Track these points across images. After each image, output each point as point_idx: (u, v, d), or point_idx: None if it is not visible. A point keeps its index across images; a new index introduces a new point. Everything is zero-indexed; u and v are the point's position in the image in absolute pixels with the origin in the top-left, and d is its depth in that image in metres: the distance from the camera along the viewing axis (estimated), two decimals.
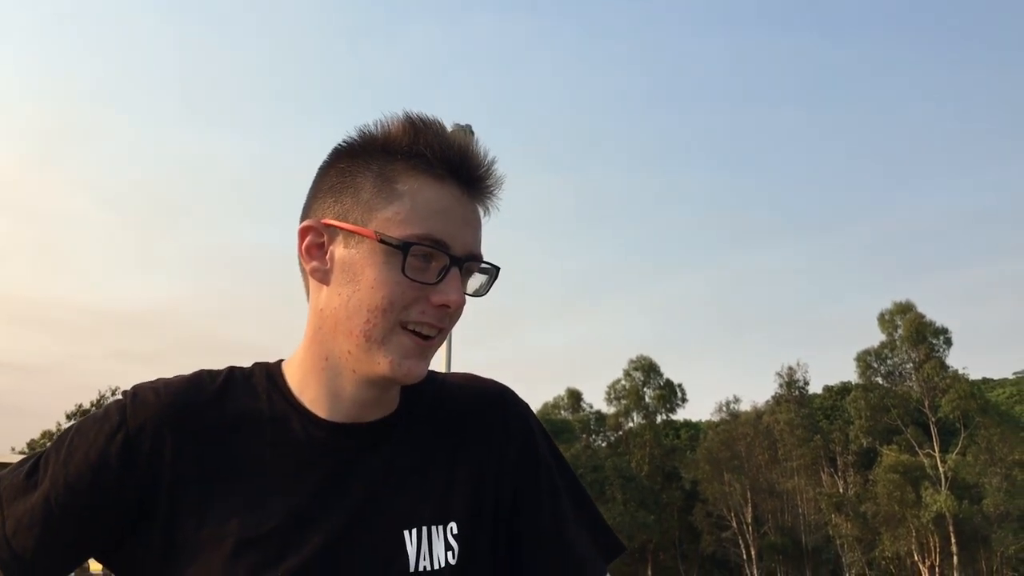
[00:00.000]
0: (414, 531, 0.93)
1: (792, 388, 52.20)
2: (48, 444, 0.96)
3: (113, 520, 0.90)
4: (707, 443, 50.39)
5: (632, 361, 53.63)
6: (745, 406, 53.26)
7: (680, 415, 56.68)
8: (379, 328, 0.89)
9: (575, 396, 56.78)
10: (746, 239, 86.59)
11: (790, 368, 52.60)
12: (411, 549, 0.92)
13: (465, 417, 1.03)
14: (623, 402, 53.50)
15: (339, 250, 0.92)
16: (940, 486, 41.17)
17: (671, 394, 52.86)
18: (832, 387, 56.03)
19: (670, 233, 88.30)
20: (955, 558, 40.49)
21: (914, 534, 41.07)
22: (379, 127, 0.93)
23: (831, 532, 45.24)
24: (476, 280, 0.96)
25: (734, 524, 47.50)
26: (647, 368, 53.28)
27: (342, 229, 0.91)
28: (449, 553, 0.94)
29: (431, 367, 0.99)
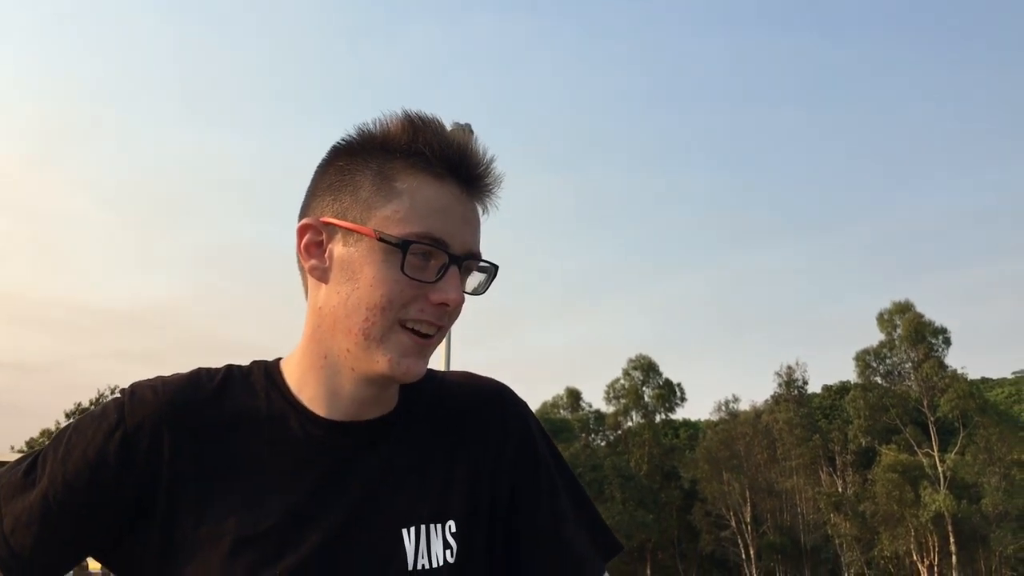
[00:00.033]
0: (412, 529, 0.93)
1: (791, 387, 52.24)
2: (47, 442, 0.96)
3: (111, 518, 0.90)
4: (706, 442, 50.44)
5: (631, 360, 53.72)
6: (744, 405, 53.40)
7: (679, 414, 56.82)
8: (378, 326, 0.89)
9: (574, 395, 56.82)
10: (746, 239, 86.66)
11: (789, 367, 52.70)
12: (409, 547, 0.92)
13: (463, 415, 1.03)
14: (622, 401, 53.55)
15: (338, 248, 0.91)
16: (939, 486, 41.22)
17: (670, 393, 52.90)
18: (831, 387, 56.07)
19: (670, 233, 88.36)
20: (954, 558, 40.55)
21: (913, 533, 41.11)
22: (378, 125, 0.93)
23: (830, 531, 45.28)
24: (475, 278, 0.96)
25: (733, 523, 47.53)
26: (646, 367, 53.32)
27: (341, 227, 0.91)
28: (447, 551, 0.94)
29: (430, 366, 0.99)
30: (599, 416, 55.67)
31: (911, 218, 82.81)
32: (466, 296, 0.94)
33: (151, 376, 0.97)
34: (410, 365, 0.91)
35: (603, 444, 55.16)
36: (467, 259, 0.92)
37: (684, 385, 53.42)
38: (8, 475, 0.93)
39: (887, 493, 41.35)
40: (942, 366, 43.97)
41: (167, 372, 0.98)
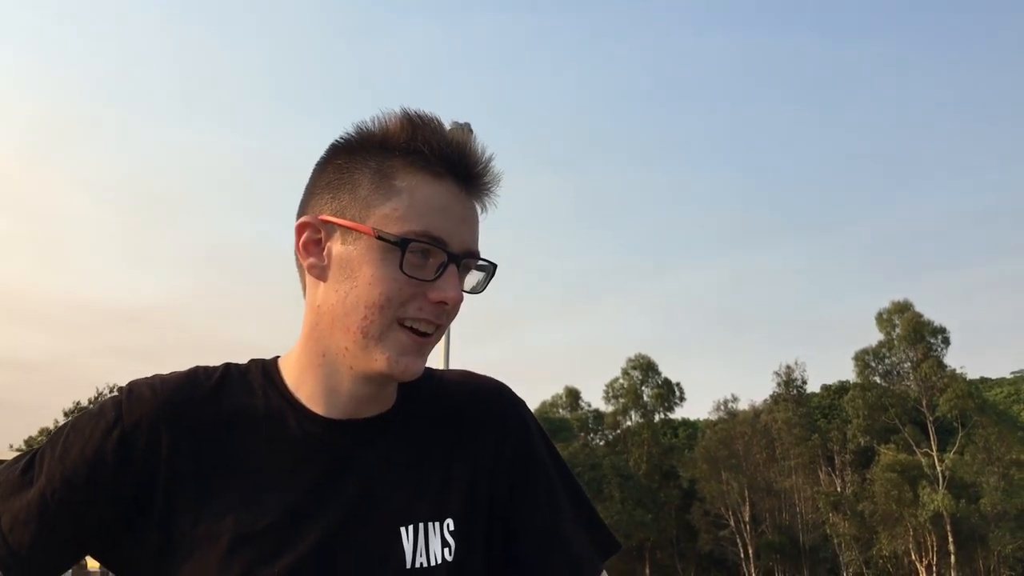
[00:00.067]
0: (410, 527, 0.93)
1: (790, 387, 52.28)
2: (45, 441, 0.96)
3: (109, 516, 0.90)
4: (705, 442, 50.47)
5: (630, 360, 53.73)
6: (743, 405, 53.45)
7: (678, 414, 56.87)
8: (376, 325, 0.89)
9: (573, 395, 56.82)
10: (745, 239, 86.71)
11: (788, 367, 52.75)
12: (407, 545, 0.92)
13: (461, 414, 1.02)
14: (621, 401, 53.56)
15: (336, 246, 0.91)
16: (938, 485, 41.23)
17: (669, 393, 52.91)
18: (830, 386, 56.07)
19: (669, 232, 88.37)
20: (952, 557, 40.57)
21: (911, 533, 41.13)
22: (377, 123, 0.93)
23: (828, 531, 45.31)
24: (473, 277, 0.96)
25: (732, 523, 47.56)
26: (645, 367, 53.33)
27: (339, 225, 0.91)
28: (446, 550, 0.94)
29: (428, 364, 0.99)
30: (598, 415, 55.68)
31: (911, 218, 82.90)
32: (464, 295, 0.93)
33: (149, 375, 0.97)
34: (409, 363, 0.91)
35: (602, 443, 55.17)
36: (466, 257, 0.92)
37: (683, 385, 53.53)
38: (6, 473, 0.93)
39: (886, 493, 41.36)
40: (941, 366, 43.98)
41: (166, 371, 0.98)
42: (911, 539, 41.28)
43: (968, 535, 40.54)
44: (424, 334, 0.91)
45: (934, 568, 41.09)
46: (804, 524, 47.30)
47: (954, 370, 44.37)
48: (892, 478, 41.25)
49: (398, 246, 0.87)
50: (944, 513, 39.61)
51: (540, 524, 1.01)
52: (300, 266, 0.96)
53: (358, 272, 0.89)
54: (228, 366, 0.99)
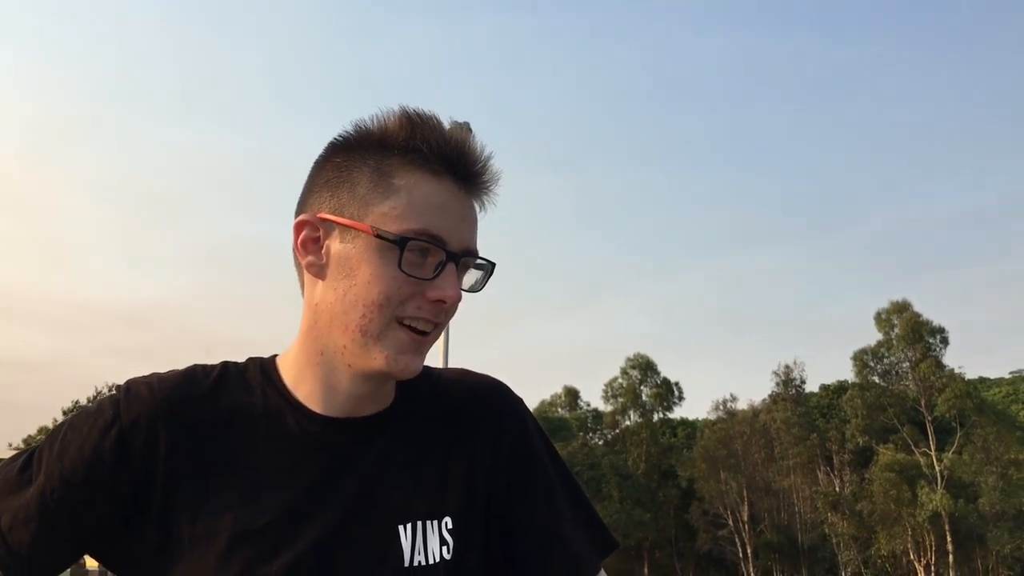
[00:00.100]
0: (408, 526, 0.93)
1: (789, 387, 52.27)
2: (43, 439, 0.96)
3: (108, 515, 0.90)
4: (704, 441, 50.46)
5: (629, 359, 53.73)
6: (742, 404, 53.40)
7: (677, 413, 56.88)
8: (375, 323, 0.89)
9: (572, 394, 56.85)
10: (745, 239, 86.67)
11: (787, 367, 52.74)
12: (405, 544, 0.92)
13: (460, 412, 1.02)
14: (620, 400, 53.56)
15: (335, 245, 0.91)
16: (936, 485, 41.25)
17: (668, 392, 52.92)
18: (829, 386, 56.10)
19: (669, 232, 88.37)
20: (951, 557, 40.60)
21: (910, 533, 41.15)
22: (375, 122, 0.93)
23: (827, 530, 45.33)
24: (472, 276, 0.96)
25: (730, 522, 47.58)
26: (644, 366, 53.33)
27: (338, 224, 0.91)
28: (444, 548, 0.94)
29: (427, 363, 0.99)
30: (597, 415, 55.70)
31: (910, 218, 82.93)
32: (463, 293, 0.93)
33: (147, 373, 0.97)
34: (407, 362, 0.91)
35: (601, 443, 55.18)
36: (464, 256, 0.92)
37: (682, 384, 53.54)
38: (4, 472, 0.93)
39: (884, 492, 41.39)
40: (939, 366, 44.01)
41: (165, 369, 0.98)
42: (909, 539, 41.30)
43: (966, 535, 40.58)
44: (423, 332, 0.91)
45: (932, 568, 41.12)
46: (803, 524, 47.31)
47: (952, 370, 44.44)
48: (890, 478, 41.28)
49: (397, 244, 0.87)
50: (942, 513, 39.64)
51: (538, 522, 1.01)
52: (298, 264, 0.95)
53: (357, 270, 0.89)
54: (226, 364, 0.99)
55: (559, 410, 56.78)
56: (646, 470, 50.90)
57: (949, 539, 40.45)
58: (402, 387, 1.00)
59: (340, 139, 0.95)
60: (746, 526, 47.21)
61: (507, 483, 1.01)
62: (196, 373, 0.97)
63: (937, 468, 42.09)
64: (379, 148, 0.91)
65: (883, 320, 45.83)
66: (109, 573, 0.97)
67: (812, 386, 55.68)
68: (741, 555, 47.15)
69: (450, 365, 1.12)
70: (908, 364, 45.30)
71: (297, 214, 0.95)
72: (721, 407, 52.99)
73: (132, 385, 0.94)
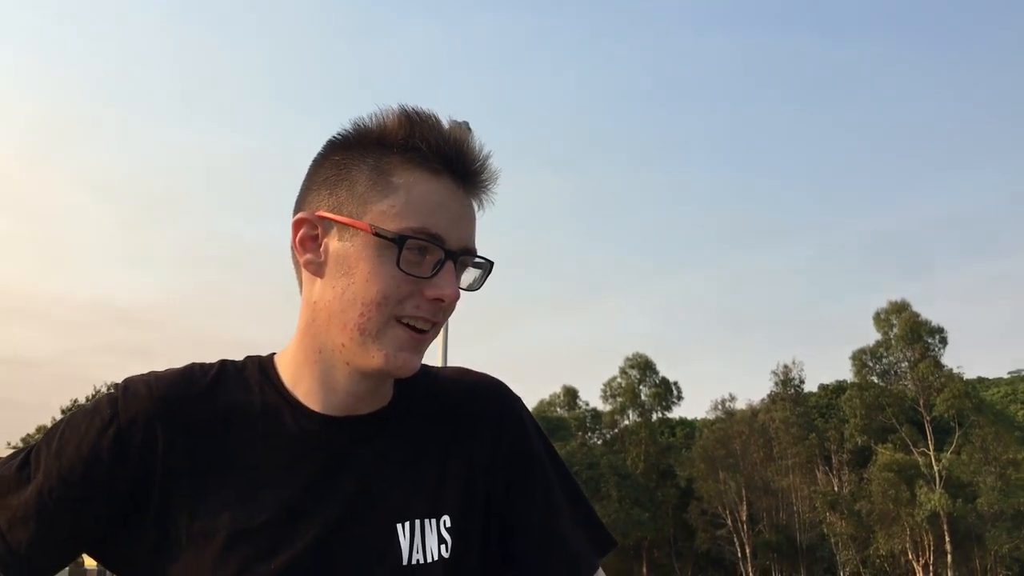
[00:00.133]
0: (407, 524, 0.93)
1: (787, 386, 52.27)
2: (41, 437, 0.95)
3: (106, 513, 0.90)
4: (702, 441, 50.46)
5: (628, 359, 53.70)
6: (741, 404, 53.39)
7: (676, 413, 56.87)
8: (373, 322, 0.89)
9: (571, 393, 56.81)
10: (744, 238, 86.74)
11: (786, 366, 52.73)
12: (404, 542, 0.92)
13: (458, 410, 1.02)
14: (619, 400, 53.53)
15: (333, 243, 0.91)
16: (934, 485, 41.26)
17: (667, 392, 52.90)
18: (827, 386, 56.10)
19: (668, 232, 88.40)
20: (949, 557, 40.62)
21: (908, 532, 41.15)
22: (374, 120, 0.93)
23: (826, 530, 45.32)
24: (470, 274, 0.96)
25: (729, 522, 47.59)
26: (643, 366, 53.32)
27: (336, 222, 0.91)
28: (442, 546, 0.94)
29: (426, 361, 0.99)
30: (596, 414, 55.67)
31: (909, 218, 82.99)
32: (461, 292, 0.93)
33: (145, 372, 0.97)
34: (406, 359, 0.91)
35: (599, 442, 55.14)
36: (463, 255, 0.92)
37: (681, 384, 53.51)
38: (1, 471, 0.93)
39: (883, 492, 41.39)
40: (938, 365, 44.01)
41: (164, 368, 0.98)
42: (908, 538, 41.31)
43: (965, 535, 40.58)
44: (421, 331, 0.91)
45: (931, 567, 41.14)
46: (801, 523, 47.32)
47: (951, 370, 44.45)
48: (889, 477, 41.28)
49: (395, 243, 0.87)
50: (941, 513, 39.65)
51: (537, 521, 1.01)
52: (296, 262, 0.95)
53: (355, 268, 0.89)
54: (224, 363, 0.98)
55: (558, 410, 56.75)
56: (645, 470, 50.88)
57: (947, 539, 40.46)
58: (400, 386, 1.00)
59: (339, 137, 0.95)
60: (744, 526, 47.22)
61: (506, 482, 1.01)
62: (194, 371, 0.97)
63: (936, 468, 42.09)
64: (378, 146, 0.91)
65: (882, 320, 45.85)
66: (108, 572, 0.97)
67: (811, 386, 55.79)
68: (739, 555, 47.15)
69: (449, 364, 1.12)
70: (907, 364, 45.31)
71: (295, 212, 0.95)
72: (720, 407, 53.04)
73: (130, 384, 0.94)
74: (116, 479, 0.89)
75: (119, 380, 0.96)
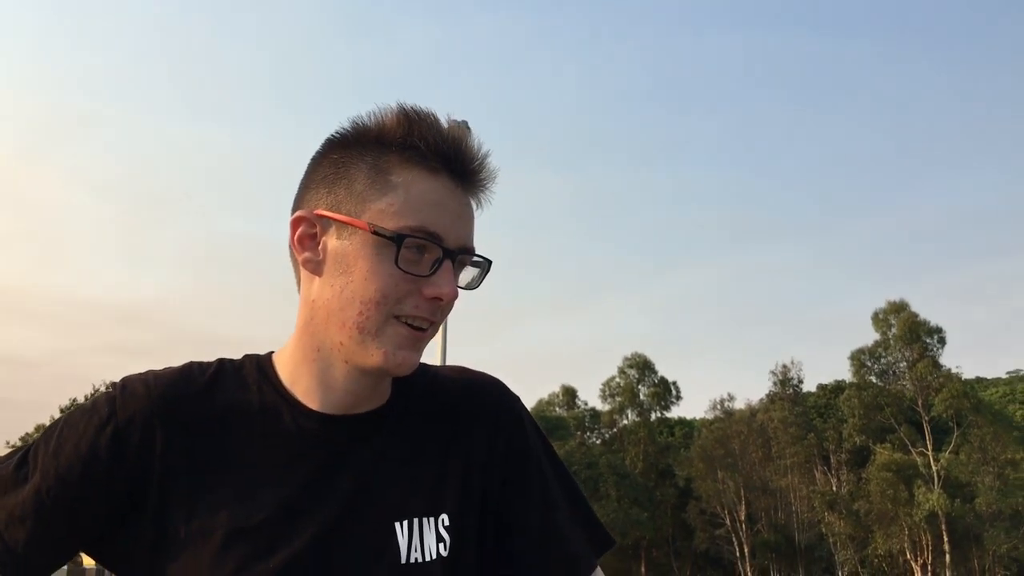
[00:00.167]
0: (405, 523, 0.93)
1: (786, 386, 52.30)
2: (39, 436, 0.95)
3: (103, 512, 0.90)
4: (701, 441, 50.47)
5: (627, 359, 53.70)
6: (739, 404, 53.41)
7: (674, 413, 56.87)
8: (372, 320, 0.89)
9: (570, 393, 56.84)
10: (744, 238, 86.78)
11: (784, 366, 52.78)
12: (402, 541, 0.92)
13: (456, 409, 1.02)
14: (618, 399, 53.52)
15: (332, 241, 0.91)
16: (933, 485, 41.28)
17: (665, 392, 52.89)
18: (826, 385, 56.14)
19: (668, 232, 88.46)
20: (947, 556, 40.64)
21: (907, 532, 41.17)
22: (373, 118, 0.93)
23: (824, 530, 45.34)
24: (468, 273, 0.96)
25: (727, 521, 47.62)
26: (642, 366, 53.32)
27: (335, 220, 0.90)
28: (440, 545, 0.94)
29: (425, 360, 0.99)
30: (595, 414, 55.67)
31: (909, 218, 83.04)
32: (460, 291, 0.93)
33: (143, 370, 0.97)
34: (405, 357, 0.91)
35: (598, 442, 55.15)
36: (461, 253, 0.92)
37: (679, 383, 53.52)
38: None
39: (881, 492, 41.41)
40: (936, 365, 44.00)
41: (161, 367, 0.98)
42: (906, 538, 41.33)
43: (963, 534, 40.60)
44: (420, 329, 0.91)
45: (929, 567, 41.17)
46: (800, 523, 47.35)
47: (949, 370, 44.44)
48: (887, 477, 41.30)
49: (394, 241, 0.87)
50: (939, 512, 39.68)
51: (535, 520, 1.01)
52: (295, 260, 0.95)
53: (353, 267, 0.89)
54: (222, 361, 0.98)
55: (557, 409, 56.77)
56: (643, 469, 50.90)
57: (946, 539, 40.49)
58: (398, 384, 1.00)
59: (337, 135, 0.94)
60: (743, 525, 47.24)
61: (503, 480, 1.01)
62: (192, 370, 0.96)
63: (934, 468, 42.11)
64: (376, 145, 0.91)
65: (880, 320, 45.85)
66: (106, 571, 0.97)
67: (809, 386, 55.87)
68: (738, 554, 47.18)
69: (448, 363, 1.11)
70: (905, 364, 45.29)
71: (294, 210, 0.94)
72: (719, 406, 53.05)
73: (128, 382, 0.94)
74: (114, 478, 0.89)
75: (117, 379, 0.96)
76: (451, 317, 0.97)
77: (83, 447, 0.89)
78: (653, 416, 54.17)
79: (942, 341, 44.75)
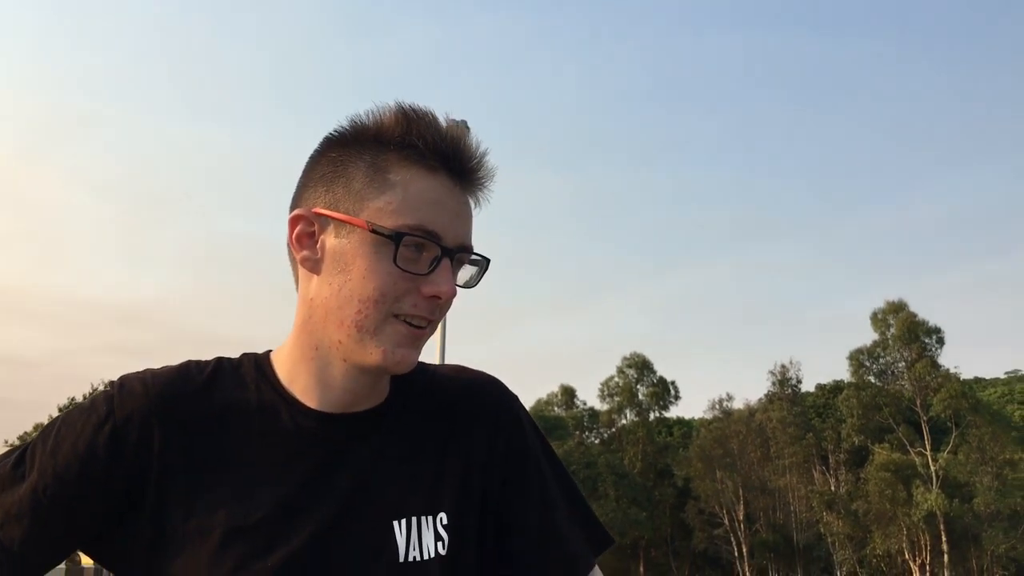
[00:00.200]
0: (404, 522, 0.93)
1: (785, 386, 52.29)
2: (36, 435, 0.95)
3: (101, 511, 0.90)
4: (700, 440, 50.47)
5: (625, 358, 53.69)
6: (738, 404, 53.40)
7: (673, 412, 56.85)
8: (371, 318, 0.89)
9: (569, 393, 56.83)
10: (744, 238, 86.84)
11: (783, 366, 52.75)
12: (401, 540, 0.92)
13: (455, 408, 1.02)
14: (616, 399, 53.51)
15: (330, 240, 0.91)
16: (931, 485, 41.29)
17: (664, 391, 52.89)
18: (824, 385, 56.12)
19: (667, 232, 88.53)
20: (946, 556, 40.65)
21: (905, 532, 41.19)
22: (371, 117, 0.93)
23: (822, 530, 45.36)
24: (467, 271, 0.96)
25: (726, 521, 47.63)
26: (640, 365, 53.31)
27: (333, 218, 0.90)
28: (439, 544, 0.94)
29: (423, 359, 0.99)
30: (593, 414, 55.67)
31: (908, 218, 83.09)
32: (458, 289, 0.93)
33: (141, 369, 0.97)
34: (404, 355, 0.91)
35: (597, 442, 55.14)
36: (459, 252, 0.92)
37: (678, 383, 53.51)
38: None
39: (880, 492, 41.42)
40: (935, 366, 43.99)
41: (161, 366, 0.98)
42: (905, 538, 41.35)
43: (961, 534, 40.63)
44: (419, 327, 0.91)
45: (927, 567, 41.20)
46: (798, 523, 47.36)
47: (948, 370, 44.42)
48: (886, 477, 41.32)
49: (392, 240, 0.87)
50: (938, 512, 39.70)
51: (534, 520, 1.01)
52: (293, 259, 0.95)
53: (352, 265, 0.89)
54: (220, 360, 0.98)
55: (555, 408, 56.76)
56: (642, 469, 50.90)
57: (944, 539, 40.51)
58: (397, 383, 1.00)
59: (336, 134, 0.94)
60: (742, 525, 47.26)
61: (502, 479, 1.01)
62: (190, 369, 0.96)
63: (932, 468, 42.13)
64: (375, 143, 0.91)
65: (879, 320, 45.87)
66: (104, 570, 0.97)
67: (808, 386, 55.81)
68: (736, 554, 47.19)
69: (447, 362, 1.11)
70: (904, 364, 45.27)
71: (292, 209, 0.94)
72: (717, 406, 53.04)
73: (126, 381, 0.94)
74: (112, 476, 0.89)
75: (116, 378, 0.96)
76: (450, 315, 0.97)
77: (81, 446, 0.89)
78: (652, 416, 54.19)
79: (941, 341, 44.77)
